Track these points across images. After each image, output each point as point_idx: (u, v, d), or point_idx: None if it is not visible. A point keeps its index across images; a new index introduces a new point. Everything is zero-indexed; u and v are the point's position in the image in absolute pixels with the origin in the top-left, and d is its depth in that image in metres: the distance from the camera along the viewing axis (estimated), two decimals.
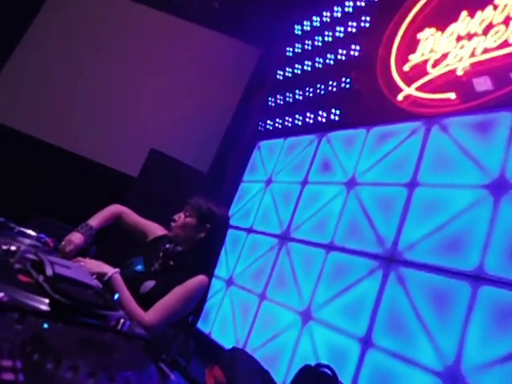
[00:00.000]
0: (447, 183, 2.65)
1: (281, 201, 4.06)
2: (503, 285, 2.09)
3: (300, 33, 5.03)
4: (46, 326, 0.67)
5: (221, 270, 4.13)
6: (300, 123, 4.39)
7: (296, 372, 2.50)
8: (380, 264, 2.77)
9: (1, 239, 1.23)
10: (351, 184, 3.35)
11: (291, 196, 3.92)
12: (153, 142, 4.52)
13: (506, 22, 2.75)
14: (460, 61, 2.94)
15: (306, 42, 4.82)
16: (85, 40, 5.28)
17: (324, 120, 4.08)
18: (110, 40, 5.38)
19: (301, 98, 4.52)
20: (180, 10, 5.55)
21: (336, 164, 3.64)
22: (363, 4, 4.21)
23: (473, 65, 2.85)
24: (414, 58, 3.35)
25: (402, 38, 3.61)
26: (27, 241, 1.43)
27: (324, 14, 4.67)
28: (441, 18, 3.31)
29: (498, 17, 2.81)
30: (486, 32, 2.86)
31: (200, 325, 3.97)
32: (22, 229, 1.56)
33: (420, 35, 3.39)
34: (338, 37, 4.38)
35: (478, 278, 2.21)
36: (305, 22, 4.96)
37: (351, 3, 4.33)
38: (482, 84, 2.76)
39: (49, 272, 0.90)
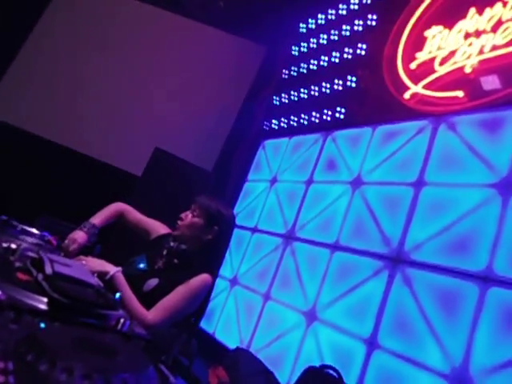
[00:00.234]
0: (455, 182, 2.61)
1: (285, 200, 4.03)
2: None
3: (305, 31, 4.99)
4: (42, 325, 0.65)
5: (225, 270, 4.11)
6: (305, 122, 4.35)
7: (300, 373, 2.47)
8: (386, 264, 2.74)
9: (2, 237, 1.22)
10: (357, 183, 3.31)
11: (296, 195, 3.89)
12: (157, 141, 4.51)
13: None
14: (468, 58, 2.89)
15: (312, 40, 4.78)
16: (90, 39, 5.29)
17: (329, 119, 4.04)
18: (115, 39, 5.39)
19: (306, 96, 4.49)
20: (185, 9, 5.54)
21: (341, 163, 3.61)
22: (369, 1, 4.17)
23: (481, 62, 2.81)
24: (421, 56, 3.31)
25: (409, 35, 3.56)
26: (30, 239, 1.42)
27: (329, 11, 4.63)
28: (448, 15, 3.26)
29: (508, 13, 2.76)
30: (494, 29, 2.81)
31: (204, 324, 3.95)
32: (24, 227, 1.55)
33: (427, 33, 3.34)
34: (344, 35, 4.34)
35: (486, 279, 2.17)
36: (310, 20, 4.92)
37: (357, 0, 4.29)
38: (490, 83, 2.71)
39: (48, 270, 0.88)
